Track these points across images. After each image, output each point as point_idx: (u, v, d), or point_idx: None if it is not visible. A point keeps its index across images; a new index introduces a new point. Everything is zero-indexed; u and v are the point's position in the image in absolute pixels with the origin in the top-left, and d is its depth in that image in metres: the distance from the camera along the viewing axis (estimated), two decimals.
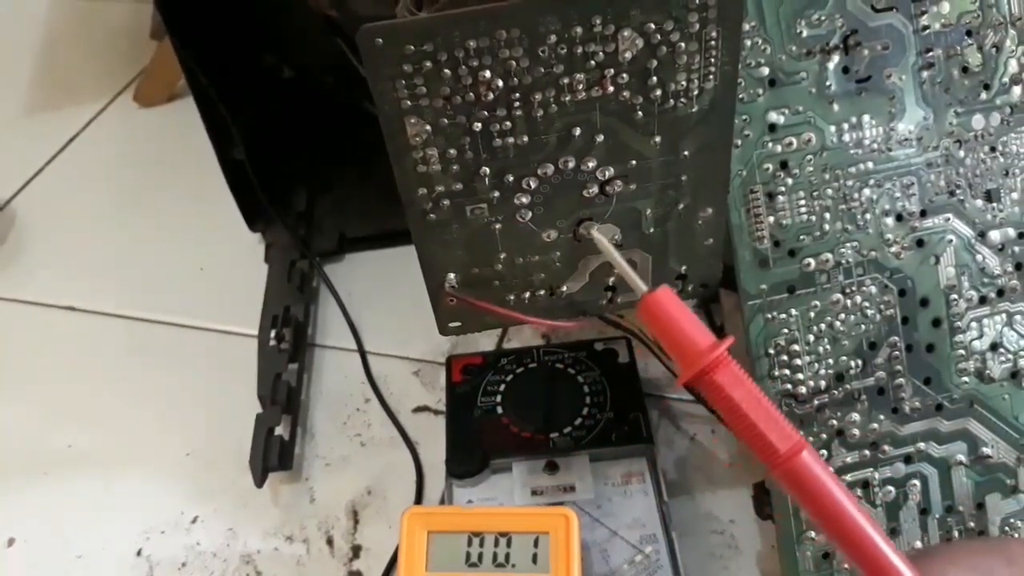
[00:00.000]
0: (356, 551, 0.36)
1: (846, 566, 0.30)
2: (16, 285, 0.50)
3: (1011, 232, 0.29)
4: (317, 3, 0.43)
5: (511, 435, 0.36)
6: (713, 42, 0.24)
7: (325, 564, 0.36)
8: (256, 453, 0.38)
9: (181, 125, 0.57)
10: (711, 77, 0.24)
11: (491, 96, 0.24)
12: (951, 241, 0.29)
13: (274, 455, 0.38)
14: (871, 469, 0.30)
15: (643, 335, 0.38)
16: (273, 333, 0.43)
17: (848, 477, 0.30)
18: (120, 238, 0.52)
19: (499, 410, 0.37)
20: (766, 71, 0.28)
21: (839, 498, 0.22)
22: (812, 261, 0.29)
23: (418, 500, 0.38)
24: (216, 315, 0.46)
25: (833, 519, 0.22)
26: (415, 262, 0.28)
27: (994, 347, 0.30)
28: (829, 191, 0.29)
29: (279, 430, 0.39)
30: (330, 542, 0.37)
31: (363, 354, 0.44)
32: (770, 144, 0.28)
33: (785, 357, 0.29)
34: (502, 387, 0.38)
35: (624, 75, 0.24)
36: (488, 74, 0.23)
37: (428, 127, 0.24)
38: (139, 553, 0.37)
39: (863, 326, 0.29)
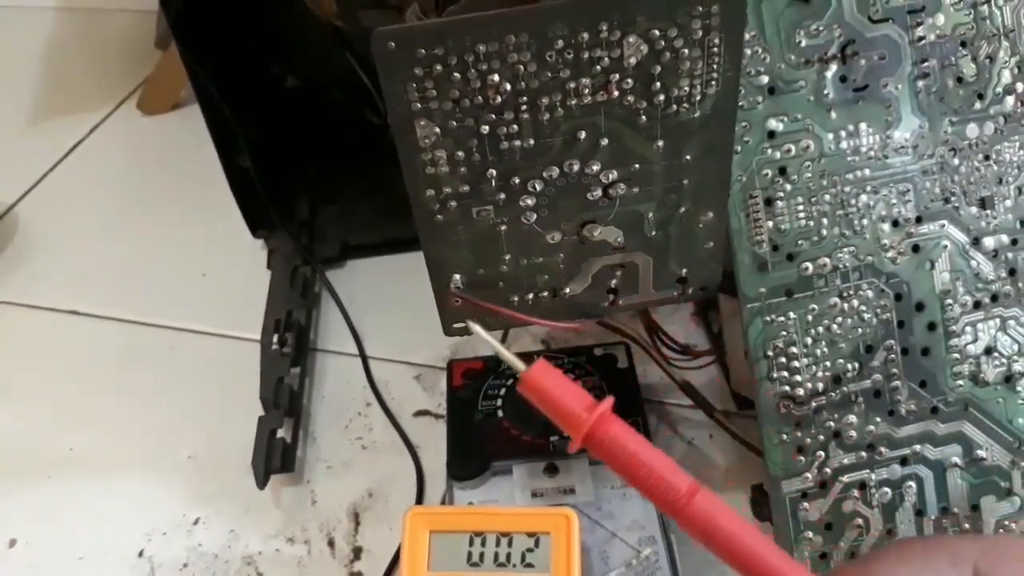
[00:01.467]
0: (357, 553, 0.36)
1: None
2: (19, 289, 0.50)
3: (1004, 239, 0.30)
4: (324, 14, 0.44)
5: (511, 438, 0.36)
6: (716, 48, 0.24)
7: (326, 566, 0.36)
8: (258, 455, 0.38)
9: (184, 133, 0.58)
10: (713, 83, 0.25)
11: (499, 99, 0.24)
12: (946, 247, 0.30)
13: (276, 457, 0.38)
14: (868, 471, 0.30)
15: (642, 341, 0.38)
16: (275, 337, 0.44)
17: (845, 478, 0.30)
18: (123, 243, 0.53)
19: (500, 414, 0.37)
20: (766, 79, 0.28)
21: (740, 530, 0.22)
22: (810, 265, 0.29)
23: (419, 502, 0.38)
24: (219, 320, 0.47)
25: (740, 549, 0.22)
26: (416, 269, 0.29)
27: (988, 351, 0.30)
28: (827, 197, 0.29)
29: (281, 433, 0.39)
30: (331, 544, 0.37)
31: (364, 359, 0.44)
32: (769, 150, 0.29)
33: (783, 359, 0.30)
34: (503, 391, 0.38)
35: (629, 80, 0.24)
36: (496, 78, 0.24)
37: (437, 129, 0.25)
38: (141, 554, 0.37)
39: (860, 329, 0.30)
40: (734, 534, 0.22)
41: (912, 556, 0.21)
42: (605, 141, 0.26)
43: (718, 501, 0.22)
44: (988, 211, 0.30)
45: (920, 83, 0.29)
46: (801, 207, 0.29)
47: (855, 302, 0.30)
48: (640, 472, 0.23)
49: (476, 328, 0.26)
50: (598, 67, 0.24)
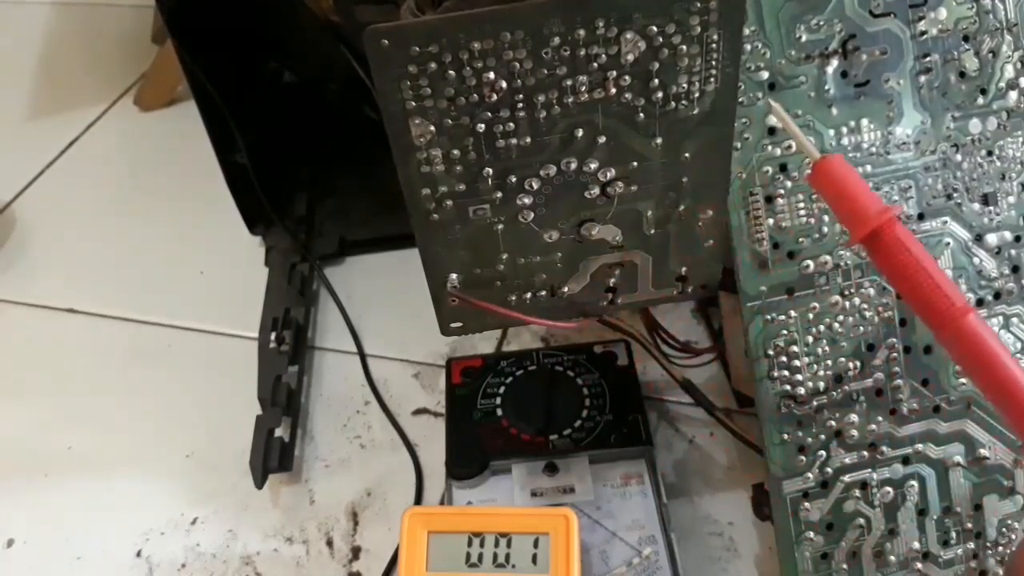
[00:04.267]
0: (356, 552, 0.36)
1: (844, 567, 0.30)
2: (17, 287, 0.50)
3: (1008, 235, 0.30)
4: (320, 9, 0.43)
5: (511, 437, 0.36)
6: (714, 44, 0.24)
7: (325, 565, 0.36)
8: (256, 454, 0.38)
9: (182, 129, 0.58)
10: (712, 79, 0.25)
11: (495, 97, 0.24)
12: (948, 244, 0.29)
13: (274, 457, 0.38)
14: (869, 470, 0.30)
15: (642, 338, 0.38)
16: (273, 335, 0.43)
17: (847, 478, 0.30)
18: (120, 241, 0.52)
19: (499, 412, 0.37)
20: (766, 75, 0.28)
21: (1006, 358, 0.21)
22: (811, 263, 0.29)
23: (417, 502, 0.38)
24: (216, 318, 0.47)
25: (1002, 377, 0.21)
26: (415, 265, 0.28)
27: None
28: None
29: (279, 432, 0.39)
30: (330, 543, 0.37)
31: (363, 357, 0.44)
32: (769, 147, 0.28)
33: (784, 358, 0.29)
34: (502, 389, 0.38)
35: (626, 77, 0.24)
36: (492, 75, 0.24)
37: (432, 128, 0.24)
38: (139, 554, 0.37)
39: (861, 328, 0.29)
40: (999, 360, 0.21)
41: None
42: (603, 139, 0.25)
43: (989, 327, 0.22)
44: (991, 207, 0.30)
45: (922, 78, 0.29)
46: (802, 204, 0.29)
47: (856, 300, 0.29)
48: (919, 278, 0.22)
49: (776, 107, 0.25)
50: (595, 64, 0.24)
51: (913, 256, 0.22)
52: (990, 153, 0.29)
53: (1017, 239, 0.30)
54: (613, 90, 0.24)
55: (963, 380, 0.30)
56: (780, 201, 0.29)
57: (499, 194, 0.26)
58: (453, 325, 0.29)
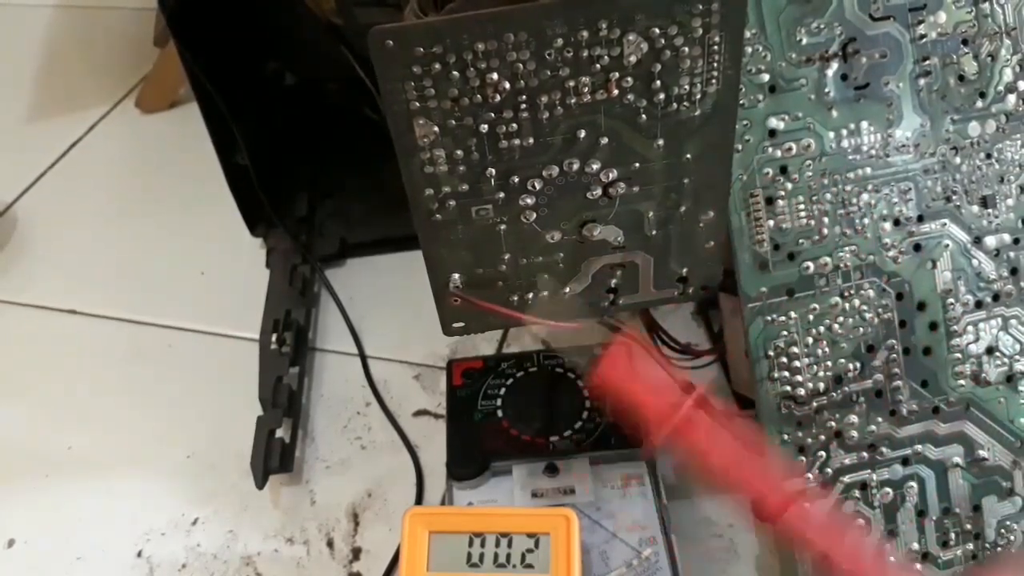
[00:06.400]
0: (356, 553, 0.36)
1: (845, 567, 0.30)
2: (18, 288, 0.50)
3: (1006, 237, 0.30)
4: (321, 11, 0.44)
5: (511, 438, 0.36)
6: (716, 46, 0.24)
7: (325, 566, 0.36)
8: (257, 455, 0.38)
9: (183, 131, 0.58)
10: (714, 81, 0.25)
11: (498, 98, 0.24)
12: (947, 246, 0.30)
13: (275, 457, 0.38)
14: (869, 471, 0.30)
15: (642, 340, 0.38)
16: (274, 337, 0.43)
17: (846, 479, 0.30)
18: (122, 242, 0.53)
19: (499, 413, 0.37)
20: (766, 77, 0.28)
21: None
22: (811, 264, 0.29)
23: (418, 502, 0.38)
24: (217, 319, 0.47)
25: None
26: (416, 267, 0.28)
27: (990, 351, 0.30)
28: (828, 196, 0.29)
29: (280, 433, 0.39)
30: (330, 544, 0.37)
31: (364, 358, 0.44)
32: (770, 149, 0.29)
33: (784, 359, 0.29)
34: (502, 391, 0.38)
35: (628, 79, 0.24)
36: (495, 76, 0.24)
37: (436, 128, 0.24)
38: (139, 554, 0.37)
39: (861, 329, 0.30)
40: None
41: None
42: (605, 140, 0.25)
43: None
44: (990, 210, 0.30)
45: (921, 81, 0.29)
46: (802, 206, 0.29)
47: (856, 301, 0.29)
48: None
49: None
50: (598, 65, 0.24)
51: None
52: (989, 156, 0.30)
53: (1016, 241, 0.30)
54: (615, 91, 0.24)
55: (962, 382, 0.30)
56: (781, 203, 0.29)
57: (502, 194, 0.26)
58: (455, 325, 0.30)
